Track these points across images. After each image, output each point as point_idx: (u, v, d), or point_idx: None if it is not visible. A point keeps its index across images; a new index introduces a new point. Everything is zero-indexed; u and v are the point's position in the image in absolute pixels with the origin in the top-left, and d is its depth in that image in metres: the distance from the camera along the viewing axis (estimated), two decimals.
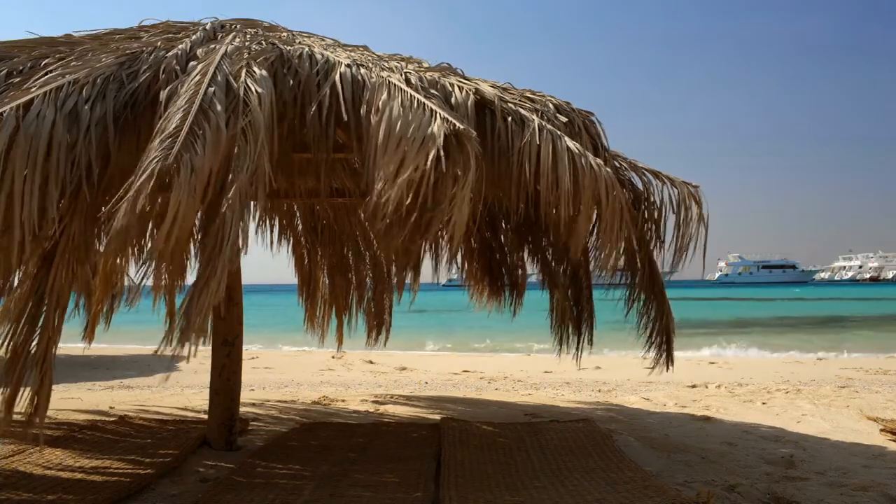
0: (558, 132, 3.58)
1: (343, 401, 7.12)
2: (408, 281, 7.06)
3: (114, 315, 6.09)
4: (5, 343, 2.82)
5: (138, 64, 3.47)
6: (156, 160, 2.66)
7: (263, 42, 3.99)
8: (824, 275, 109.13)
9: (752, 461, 4.61)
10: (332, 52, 3.91)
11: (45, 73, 3.20)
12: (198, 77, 3.23)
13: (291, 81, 3.63)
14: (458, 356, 14.02)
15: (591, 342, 5.79)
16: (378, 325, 7.37)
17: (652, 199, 4.69)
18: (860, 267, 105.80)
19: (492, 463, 4.33)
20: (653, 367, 5.00)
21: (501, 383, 9.05)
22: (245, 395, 6.51)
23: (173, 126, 2.85)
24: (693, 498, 3.43)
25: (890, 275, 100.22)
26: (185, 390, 7.99)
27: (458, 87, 3.69)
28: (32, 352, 2.83)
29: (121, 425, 5.32)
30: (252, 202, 6.13)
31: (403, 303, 7.20)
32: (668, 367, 5.01)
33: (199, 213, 3.03)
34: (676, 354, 5.19)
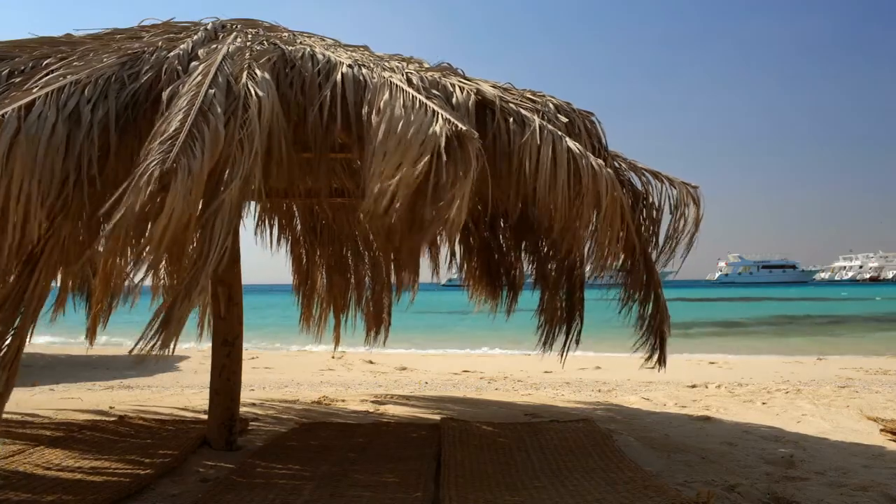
0: (559, 132, 3.58)
1: (343, 401, 7.12)
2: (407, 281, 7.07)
3: (113, 315, 6.10)
4: None
5: (140, 64, 3.46)
6: (154, 163, 2.66)
7: (265, 42, 3.99)
8: (824, 275, 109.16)
9: (752, 461, 4.61)
10: (333, 53, 3.91)
11: (47, 74, 3.20)
12: (199, 78, 3.23)
13: (294, 82, 3.63)
14: (458, 356, 14.02)
15: (577, 342, 5.79)
16: (377, 324, 7.37)
17: (651, 200, 4.69)
18: (860, 267, 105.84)
19: (492, 463, 4.33)
20: (648, 365, 4.99)
21: (501, 383, 9.06)
22: (245, 395, 6.51)
23: (173, 128, 2.85)
24: (693, 498, 3.44)
25: (890, 275, 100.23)
26: (185, 390, 7.99)
27: (459, 87, 3.69)
28: (2, 354, 2.83)
29: (121, 425, 5.32)
30: (252, 202, 6.18)
31: (403, 303, 7.20)
32: (660, 367, 5.01)
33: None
34: (676, 355, 5.20)
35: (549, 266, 5.87)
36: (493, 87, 3.95)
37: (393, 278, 7.16)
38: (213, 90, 3.13)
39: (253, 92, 3.22)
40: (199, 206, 2.88)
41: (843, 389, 8.05)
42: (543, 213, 3.49)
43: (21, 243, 2.69)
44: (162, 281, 5.94)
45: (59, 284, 5.21)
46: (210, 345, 5.09)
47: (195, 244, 2.83)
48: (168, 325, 2.67)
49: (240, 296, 5.08)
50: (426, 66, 4.24)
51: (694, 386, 8.41)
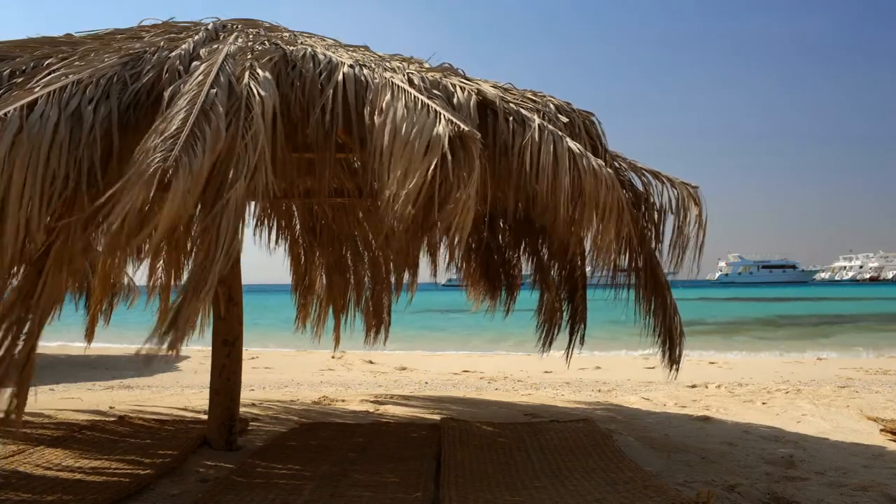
0: (559, 132, 3.58)
1: (343, 401, 7.12)
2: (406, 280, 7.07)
3: (113, 314, 6.10)
4: None
5: (141, 64, 3.46)
6: (156, 161, 2.66)
7: (266, 42, 3.99)
8: (825, 275, 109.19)
9: (752, 461, 4.61)
10: (334, 53, 3.91)
11: (49, 73, 3.20)
12: (200, 77, 3.23)
13: (296, 82, 3.63)
14: (458, 356, 14.02)
15: (582, 342, 5.80)
16: (377, 324, 7.37)
17: (652, 200, 4.69)
18: (860, 267, 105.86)
19: (492, 463, 4.33)
20: (659, 368, 4.99)
21: (501, 383, 9.06)
22: (245, 395, 6.51)
23: (174, 127, 2.84)
24: (693, 498, 3.44)
25: (890, 275, 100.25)
26: (185, 390, 7.99)
27: (461, 87, 3.69)
28: (15, 357, 2.83)
29: (120, 425, 5.32)
30: (252, 202, 6.18)
31: (402, 303, 7.20)
32: (670, 370, 4.99)
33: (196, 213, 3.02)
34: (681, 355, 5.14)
35: (550, 266, 5.88)
36: (494, 87, 3.96)
37: (392, 278, 7.16)
38: (215, 90, 3.13)
39: (255, 92, 3.22)
40: (198, 206, 2.88)
41: (843, 389, 8.05)
42: (544, 213, 3.49)
43: (25, 243, 2.69)
44: (159, 280, 5.94)
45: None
46: (210, 345, 5.09)
47: (199, 244, 2.82)
48: (176, 325, 2.67)
49: (240, 296, 5.08)
50: (427, 66, 4.24)
51: (694, 386, 8.41)
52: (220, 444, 4.77)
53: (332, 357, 11.97)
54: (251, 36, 4.19)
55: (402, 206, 2.99)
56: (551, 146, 3.45)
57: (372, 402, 7.05)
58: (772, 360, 12.90)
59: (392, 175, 3.09)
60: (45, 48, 3.66)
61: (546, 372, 9.86)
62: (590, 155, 3.53)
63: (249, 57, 3.57)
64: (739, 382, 8.83)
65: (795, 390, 7.93)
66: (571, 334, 5.79)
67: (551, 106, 4.01)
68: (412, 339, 16.86)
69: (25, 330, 2.85)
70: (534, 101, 3.99)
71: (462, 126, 3.15)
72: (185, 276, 5.79)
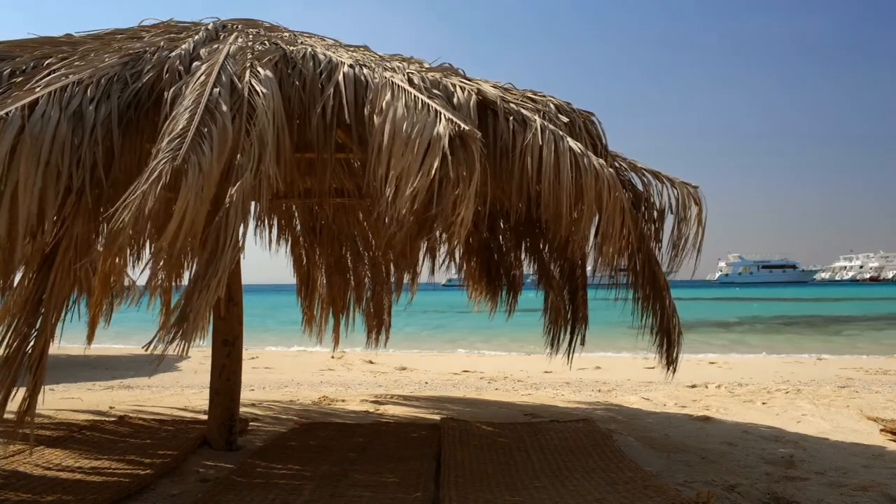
0: (560, 132, 3.58)
1: (343, 401, 7.12)
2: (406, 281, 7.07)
3: (113, 314, 6.10)
4: (3, 344, 2.82)
5: (142, 64, 3.47)
6: (164, 161, 2.66)
7: (267, 42, 3.99)
8: (825, 275, 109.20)
9: (752, 461, 4.61)
10: (334, 53, 3.91)
11: (49, 73, 3.20)
12: (203, 77, 3.23)
13: (296, 82, 3.63)
14: (458, 356, 14.02)
15: (583, 342, 5.80)
16: (377, 325, 7.37)
17: (652, 200, 4.69)
18: (861, 267, 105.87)
19: (492, 463, 4.33)
20: (657, 368, 4.99)
21: (501, 383, 9.06)
22: (245, 395, 6.51)
23: (181, 126, 2.85)
24: (693, 498, 3.44)
25: (890, 275, 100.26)
26: (185, 390, 7.99)
27: (461, 87, 3.69)
28: (28, 354, 2.84)
29: (120, 425, 5.32)
30: (253, 202, 6.18)
31: (403, 303, 7.20)
32: (667, 370, 5.00)
33: None
34: (682, 356, 5.15)
35: (552, 267, 5.88)
36: (494, 87, 3.95)
37: (393, 278, 7.16)
38: (218, 89, 3.13)
39: (258, 90, 3.22)
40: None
41: (843, 389, 8.05)
42: (545, 213, 3.49)
43: (30, 242, 2.69)
44: (161, 280, 5.93)
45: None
46: (210, 345, 5.08)
47: (208, 237, 2.83)
48: (184, 322, 2.67)
49: (240, 296, 5.08)
50: (427, 66, 4.24)
51: (694, 386, 8.41)
52: (220, 444, 4.77)
53: (332, 357, 11.97)
54: (251, 36, 4.19)
55: (402, 205, 2.99)
56: (552, 146, 3.45)
57: (372, 402, 7.05)
58: (772, 360, 12.90)
59: (392, 174, 3.09)
60: (45, 48, 3.66)
61: (546, 372, 9.86)
62: (591, 154, 3.53)
63: (250, 57, 3.57)
64: (739, 382, 8.83)
65: (795, 390, 7.93)
66: (572, 334, 5.79)
67: (551, 106, 4.01)
68: (412, 340, 16.86)
69: (37, 328, 2.86)
70: (534, 101, 3.99)
71: (462, 125, 3.15)
72: (186, 277, 5.80)
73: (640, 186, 4.75)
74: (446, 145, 3.04)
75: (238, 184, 2.84)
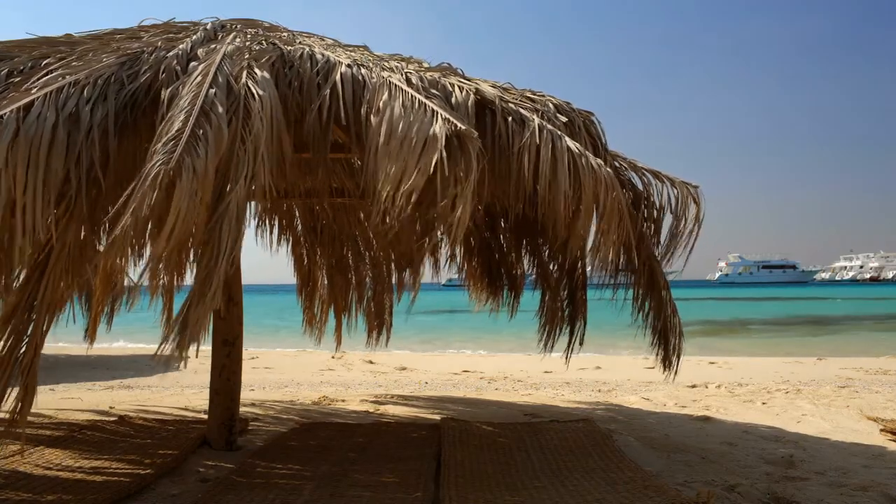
0: (558, 132, 3.58)
1: (343, 401, 7.12)
2: (407, 281, 7.07)
3: (115, 315, 6.09)
4: None
5: (139, 64, 3.46)
6: (159, 163, 2.66)
7: (264, 42, 3.99)
8: (825, 275, 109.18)
9: (752, 461, 4.61)
10: (332, 53, 3.91)
11: (46, 74, 3.19)
12: (199, 78, 3.23)
13: (293, 82, 3.63)
14: (459, 356, 14.02)
15: (581, 342, 5.80)
16: (378, 325, 7.37)
17: (652, 199, 4.69)
18: (861, 267, 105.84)
19: (492, 463, 4.33)
20: (662, 369, 4.99)
21: (501, 383, 9.05)
22: (245, 395, 6.51)
23: (175, 128, 2.85)
24: (693, 498, 3.43)
25: (890, 275, 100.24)
26: (185, 390, 7.99)
27: (459, 87, 3.68)
28: (19, 359, 2.84)
29: (121, 425, 5.32)
30: (252, 202, 6.18)
31: (403, 303, 7.20)
32: (665, 370, 5.00)
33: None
34: (681, 356, 5.14)
35: (551, 266, 5.88)
36: (493, 86, 3.95)
37: (394, 279, 7.16)
38: (214, 90, 3.13)
39: (254, 91, 3.22)
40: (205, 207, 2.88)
41: (843, 389, 8.05)
42: (544, 213, 3.49)
43: (24, 246, 2.69)
44: (162, 281, 5.94)
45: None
46: (210, 345, 5.09)
47: (205, 243, 2.83)
48: (186, 327, 2.68)
49: (240, 296, 5.08)
50: (426, 65, 4.24)
51: (694, 386, 8.41)
52: (220, 444, 4.77)
53: (333, 357, 11.97)
54: (249, 36, 4.19)
55: (399, 205, 2.99)
56: (550, 146, 3.45)
57: (372, 402, 7.05)
58: (772, 360, 12.89)
59: (388, 174, 3.09)
60: (43, 48, 3.66)
61: (546, 372, 9.86)
62: (589, 154, 3.53)
63: (247, 57, 3.57)
64: (739, 382, 8.82)
65: (795, 390, 7.93)
66: (571, 334, 5.79)
67: (550, 105, 4.01)
68: (412, 339, 16.86)
69: (29, 332, 2.86)
70: (533, 101, 3.98)
71: (459, 125, 3.15)
72: (186, 277, 5.80)
73: (639, 186, 4.75)
74: (443, 145, 3.04)
75: (232, 192, 2.83)
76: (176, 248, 2.70)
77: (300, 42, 4.18)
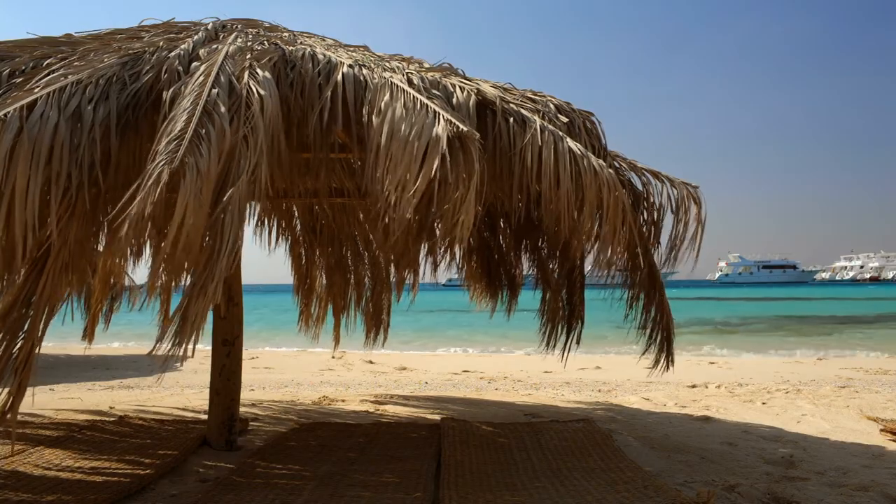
0: (559, 133, 3.58)
1: (343, 401, 7.12)
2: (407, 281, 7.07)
3: (114, 315, 6.10)
4: None
5: (141, 64, 3.47)
6: (162, 163, 2.66)
7: (266, 42, 3.99)
8: (825, 275, 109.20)
9: (752, 461, 4.61)
10: (333, 53, 3.91)
11: (48, 74, 3.20)
12: (201, 78, 3.23)
13: (294, 82, 3.63)
14: (459, 356, 14.02)
15: (578, 341, 5.80)
16: (377, 325, 7.37)
17: (652, 200, 4.70)
18: (861, 267, 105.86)
19: (492, 463, 4.33)
20: (653, 367, 5.00)
21: (501, 383, 9.06)
22: (245, 395, 6.51)
23: (178, 128, 2.85)
24: (693, 498, 3.43)
25: (890, 275, 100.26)
26: (185, 390, 7.98)
27: (460, 87, 3.68)
28: (14, 356, 2.83)
29: (120, 425, 5.32)
30: (252, 202, 6.17)
31: (403, 303, 7.20)
32: (667, 367, 5.02)
33: None
34: (676, 355, 5.19)
35: (551, 266, 5.88)
36: (494, 87, 3.95)
37: (393, 278, 7.16)
38: (216, 90, 3.13)
39: (255, 91, 3.22)
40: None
41: (843, 389, 8.05)
42: (545, 214, 3.49)
43: (26, 244, 2.69)
44: (161, 280, 5.93)
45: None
46: (210, 345, 5.08)
47: (203, 243, 2.83)
48: (185, 324, 2.68)
49: (240, 296, 5.08)
50: (426, 66, 4.24)
51: (694, 386, 8.41)
52: (220, 444, 4.77)
53: (333, 357, 11.97)
54: (250, 36, 4.19)
55: (403, 208, 2.99)
56: (552, 146, 3.45)
57: (372, 402, 7.05)
58: (772, 360, 12.90)
59: (391, 176, 3.09)
60: (44, 48, 3.66)
61: (546, 372, 9.86)
62: (590, 155, 3.53)
63: (249, 57, 3.57)
64: (739, 382, 8.82)
65: (795, 390, 7.93)
66: (568, 334, 5.79)
67: (551, 106, 4.01)
68: (412, 339, 16.86)
69: (25, 329, 2.86)
70: (534, 102, 3.99)
71: (461, 126, 3.15)
72: (186, 277, 5.79)
73: (639, 186, 4.75)
74: (445, 146, 3.04)
75: (232, 189, 2.83)
76: (183, 247, 2.70)
77: (301, 42, 4.19)
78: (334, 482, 3.89)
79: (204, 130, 2.87)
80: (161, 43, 3.84)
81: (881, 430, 5.60)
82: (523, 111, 3.69)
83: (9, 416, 2.77)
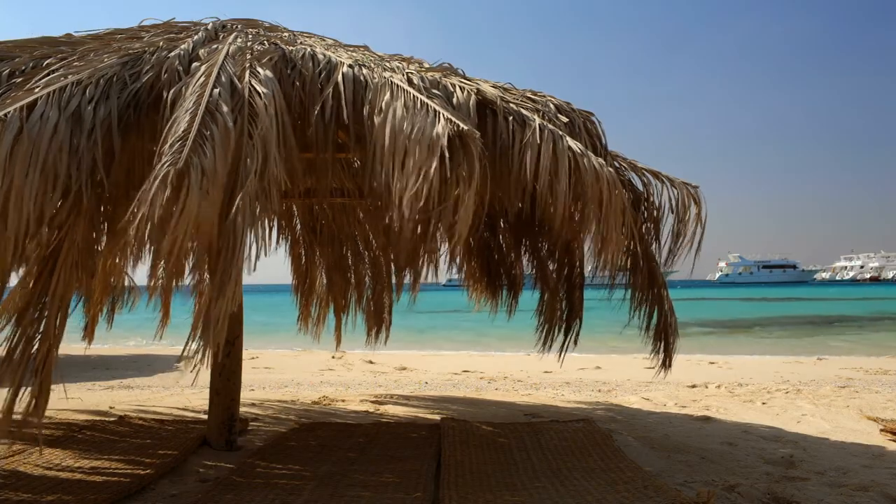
0: (559, 132, 3.58)
1: (343, 401, 7.12)
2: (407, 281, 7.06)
3: (114, 315, 6.09)
4: (7, 347, 2.83)
5: (141, 64, 3.47)
6: (167, 164, 2.66)
7: (266, 42, 3.99)
8: (825, 275, 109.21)
9: (752, 461, 4.61)
10: (333, 53, 3.92)
11: (48, 74, 3.20)
12: (202, 78, 3.23)
13: (295, 82, 3.63)
14: (458, 356, 14.01)
15: (576, 341, 5.80)
16: (377, 324, 7.36)
17: (652, 200, 4.70)
18: (861, 267, 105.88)
19: (492, 463, 4.33)
20: (659, 367, 5.01)
21: (501, 383, 9.05)
22: (245, 395, 6.51)
23: (182, 129, 2.85)
24: (693, 498, 3.44)
25: (890, 275, 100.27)
26: (185, 390, 7.98)
27: (460, 87, 3.69)
28: (33, 356, 2.84)
29: (120, 425, 5.32)
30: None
31: (403, 303, 7.19)
32: (667, 367, 5.02)
33: None
34: (676, 355, 5.18)
35: (550, 266, 5.88)
36: (494, 87, 3.96)
37: (393, 278, 7.15)
38: (218, 89, 3.13)
39: (258, 90, 3.22)
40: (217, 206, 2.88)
41: (843, 389, 8.05)
42: (545, 213, 3.49)
43: (25, 243, 2.69)
44: (161, 280, 5.92)
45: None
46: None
47: (220, 241, 2.83)
48: (208, 326, 2.69)
49: (240, 296, 5.07)
50: (426, 66, 4.24)
51: (694, 386, 8.41)
52: (220, 444, 4.77)
53: (333, 357, 11.97)
54: (250, 36, 4.19)
55: (407, 208, 3.00)
56: (551, 146, 3.45)
57: (372, 402, 7.05)
58: (772, 360, 12.90)
59: (394, 175, 3.09)
60: (44, 48, 3.66)
61: (546, 372, 9.86)
62: (591, 154, 3.54)
63: (249, 57, 3.57)
64: (739, 382, 8.82)
65: (795, 390, 7.93)
66: (566, 333, 5.79)
67: (551, 105, 4.02)
68: (412, 339, 16.86)
69: (41, 330, 2.87)
70: (533, 101, 3.99)
71: (461, 125, 3.15)
72: (186, 277, 5.78)
73: (639, 186, 4.75)
74: (445, 145, 3.05)
75: (244, 190, 2.84)
76: (188, 247, 2.70)
77: (301, 42, 4.19)
78: (334, 482, 3.89)
79: (207, 131, 2.87)
80: (161, 43, 3.84)
81: (881, 430, 5.60)
82: (523, 111, 3.69)
83: (34, 419, 2.78)
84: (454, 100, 3.58)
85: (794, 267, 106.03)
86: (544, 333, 5.97)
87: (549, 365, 8.65)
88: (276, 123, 3.22)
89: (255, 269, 3.07)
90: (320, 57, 3.77)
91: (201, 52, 3.71)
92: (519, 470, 4.18)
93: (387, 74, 3.63)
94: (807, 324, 25.63)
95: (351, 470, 4.16)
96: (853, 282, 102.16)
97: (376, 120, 3.35)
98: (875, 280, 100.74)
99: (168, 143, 2.80)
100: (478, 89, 3.73)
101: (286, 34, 4.53)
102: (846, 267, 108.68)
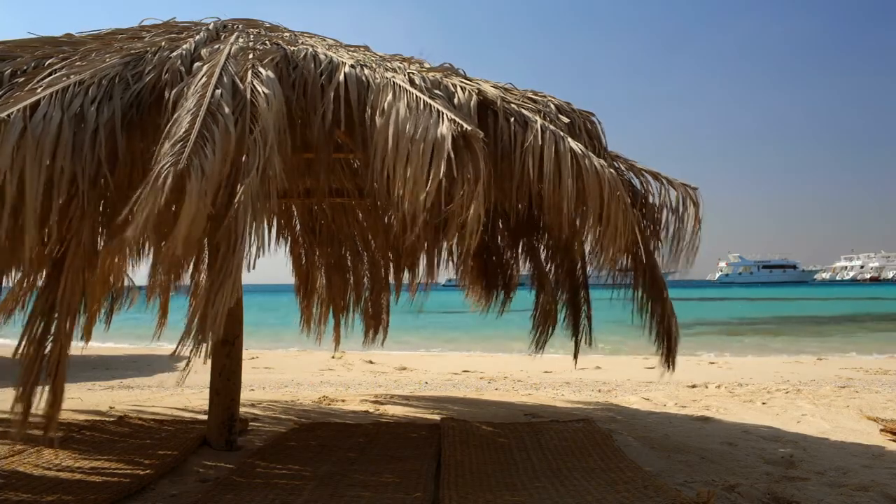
0: (561, 133, 3.58)
1: (343, 401, 7.12)
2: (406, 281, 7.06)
3: (114, 315, 6.09)
4: (19, 350, 2.84)
5: (143, 64, 3.46)
6: (167, 165, 2.66)
7: (267, 42, 3.99)
8: (825, 275, 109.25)
9: (752, 461, 4.62)
10: (335, 53, 3.91)
11: (50, 74, 3.20)
12: (204, 79, 3.23)
13: (296, 83, 3.63)
14: (458, 356, 14.02)
15: (590, 342, 5.80)
16: (376, 324, 7.36)
17: (651, 200, 4.70)
18: (861, 267, 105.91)
19: (492, 463, 4.33)
20: (663, 366, 5.01)
21: (501, 383, 9.05)
22: (245, 395, 6.51)
23: (183, 130, 2.85)
24: (693, 498, 3.44)
25: (890, 275, 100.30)
26: (184, 390, 7.98)
27: (461, 87, 3.69)
28: (45, 359, 2.85)
29: (120, 425, 5.32)
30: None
31: (402, 303, 7.19)
32: (668, 368, 5.02)
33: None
34: (676, 355, 5.18)
35: (549, 267, 5.88)
36: (495, 87, 3.95)
37: (391, 278, 7.15)
38: (220, 90, 3.13)
39: (260, 90, 3.22)
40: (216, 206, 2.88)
41: (843, 389, 8.05)
42: (547, 214, 3.49)
43: (32, 244, 2.69)
44: (160, 279, 5.93)
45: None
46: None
47: (218, 238, 2.83)
48: (206, 321, 2.69)
49: (239, 291, 5.07)
50: (427, 66, 4.24)
51: (694, 386, 8.41)
52: (219, 444, 4.77)
53: (332, 357, 11.97)
54: (252, 36, 4.19)
55: (416, 210, 3.00)
56: (553, 146, 3.45)
57: (372, 402, 7.05)
58: (772, 360, 12.90)
59: (396, 175, 3.09)
60: (45, 48, 3.66)
61: (546, 372, 9.86)
62: (592, 155, 3.54)
63: (251, 57, 3.57)
64: (739, 382, 8.83)
65: (795, 390, 7.93)
66: (576, 334, 5.80)
67: (552, 106, 4.02)
68: (412, 339, 16.86)
69: (52, 331, 2.87)
70: (534, 102, 3.99)
71: (465, 125, 3.15)
72: (185, 278, 5.79)
73: (639, 187, 4.75)
74: (450, 146, 3.05)
75: (244, 185, 2.84)
76: (190, 247, 2.70)
77: (302, 42, 4.19)
78: (334, 482, 3.89)
79: (208, 132, 2.87)
80: (163, 43, 3.84)
81: (881, 430, 5.60)
82: (524, 111, 3.69)
83: (48, 423, 2.79)
84: (455, 100, 3.58)
85: (795, 267, 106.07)
86: (538, 334, 5.99)
87: (548, 365, 8.65)
88: (278, 124, 3.22)
89: (254, 267, 3.07)
90: (322, 57, 3.77)
91: (203, 51, 3.70)
92: (519, 470, 4.19)
93: (388, 75, 3.63)
94: (807, 324, 25.63)
95: (351, 470, 4.16)
96: (853, 282, 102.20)
97: (379, 120, 3.35)
98: (875, 280, 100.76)
99: (169, 144, 2.80)
100: (479, 90, 3.73)
101: (287, 34, 4.53)
102: (846, 267, 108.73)
